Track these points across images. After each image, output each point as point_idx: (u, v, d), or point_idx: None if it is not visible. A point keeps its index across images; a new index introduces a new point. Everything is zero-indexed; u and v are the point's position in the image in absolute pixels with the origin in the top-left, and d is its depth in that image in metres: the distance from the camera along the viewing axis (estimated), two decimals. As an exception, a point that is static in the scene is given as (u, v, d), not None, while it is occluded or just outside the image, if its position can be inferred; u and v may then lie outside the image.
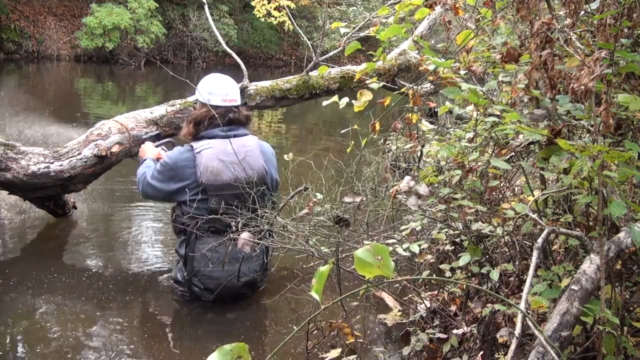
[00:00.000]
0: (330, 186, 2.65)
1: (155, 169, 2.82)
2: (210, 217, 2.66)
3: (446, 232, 2.35)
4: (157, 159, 3.01)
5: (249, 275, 2.81)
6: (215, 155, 2.72)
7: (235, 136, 2.79)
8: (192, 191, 2.73)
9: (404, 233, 2.48)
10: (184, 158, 2.75)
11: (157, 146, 3.18)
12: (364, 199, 2.50)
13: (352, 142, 2.80)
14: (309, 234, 2.48)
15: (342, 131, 2.93)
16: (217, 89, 2.84)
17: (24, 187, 3.37)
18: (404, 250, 2.26)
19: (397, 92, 2.77)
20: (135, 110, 3.86)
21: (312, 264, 2.81)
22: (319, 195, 2.56)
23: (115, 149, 3.45)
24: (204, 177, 2.70)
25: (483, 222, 2.22)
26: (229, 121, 2.81)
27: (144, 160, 3.04)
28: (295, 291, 2.74)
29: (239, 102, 2.90)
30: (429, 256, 2.49)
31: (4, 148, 3.28)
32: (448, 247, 2.45)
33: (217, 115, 2.75)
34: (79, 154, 3.44)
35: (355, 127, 2.91)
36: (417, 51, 5.17)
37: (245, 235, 2.57)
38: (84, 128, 3.69)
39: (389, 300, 2.78)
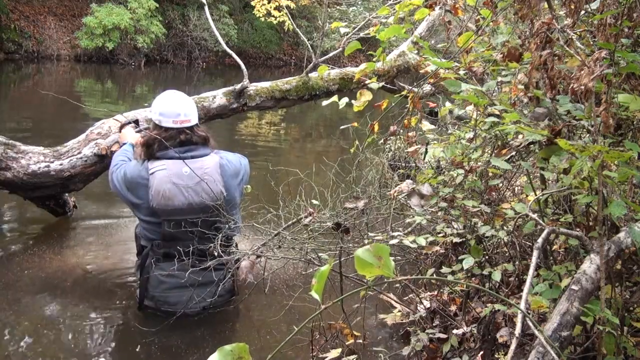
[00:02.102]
0: (332, 191, 2.64)
1: (120, 172, 2.71)
2: (163, 242, 2.62)
3: (446, 233, 2.35)
4: (137, 144, 2.97)
5: (208, 301, 2.66)
6: (169, 178, 2.60)
7: (192, 157, 2.65)
8: (145, 212, 2.66)
9: (407, 230, 2.48)
10: (141, 176, 2.63)
11: (137, 131, 3.15)
12: (366, 201, 2.49)
13: (357, 143, 2.80)
14: (308, 245, 2.45)
15: (342, 127, 2.92)
16: (168, 110, 2.68)
17: (24, 187, 3.37)
18: (411, 242, 2.26)
19: (397, 94, 2.76)
20: (135, 109, 3.86)
21: (311, 270, 2.80)
22: (315, 202, 2.55)
23: (115, 147, 3.45)
24: (155, 201, 2.59)
25: (484, 223, 2.22)
26: (180, 143, 2.66)
27: (124, 144, 3.00)
28: (295, 299, 2.74)
29: (193, 122, 2.73)
30: (437, 247, 2.48)
31: (4, 147, 3.28)
32: (454, 240, 2.43)
33: (168, 138, 2.63)
34: (79, 153, 3.45)
35: (355, 124, 2.92)
36: (416, 51, 5.17)
37: (245, 263, 2.51)
38: (84, 128, 3.69)
39: (390, 300, 2.78)
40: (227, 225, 2.59)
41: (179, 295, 2.65)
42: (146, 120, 3.61)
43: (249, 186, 2.90)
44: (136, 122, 3.35)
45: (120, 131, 3.28)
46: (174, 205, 2.61)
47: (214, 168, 2.69)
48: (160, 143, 2.64)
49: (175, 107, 2.69)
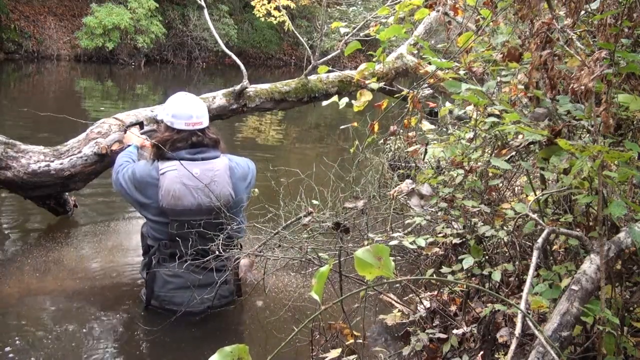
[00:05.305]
0: (332, 191, 2.64)
1: (128, 171, 2.73)
2: (170, 242, 2.63)
3: (446, 233, 2.35)
4: (141, 147, 3.00)
5: (215, 302, 2.68)
6: (179, 179, 2.61)
7: (203, 159, 2.69)
8: (153, 212, 2.67)
9: (407, 230, 2.47)
10: (151, 176, 2.65)
11: (142, 134, 3.17)
12: (365, 201, 2.49)
13: (356, 142, 2.80)
14: (307, 244, 2.45)
15: (342, 127, 2.91)
16: (181, 112, 2.70)
17: (24, 186, 3.37)
18: (410, 243, 2.26)
19: (396, 95, 2.77)
20: (135, 109, 3.86)
21: (310, 270, 2.80)
22: (315, 202, 2.55)
23: (115, 147, 3.45)
24: (165, 200, 2.61)
25: (484, 223, 2.22)
26: (191, 145, 2.69)
27: (128, 146, 3.02)
28: (295, 299, 2.74)
29: (205, 125, 2.74)
30: (437, 248, 2.48)
31: (5, 146, 3.28)
32: (455, 241, 2.42)
33: (180, 140, 2.66)
34: (79, 152, 3.45)
35: (355, 124, 2.92)
36: (416, 51, 5.18)
37: (244, 262, 2.51)
38: (84, 127, 3.69)
39: (390, 300, 2.78)
40: (233, 227, 2.59)
41: (185, 295, 2.66)
42: (147, 120, 3.61)
43: (256, 190, 2.92)
44: (141, 124, 3.36)
45: (125, 133, 3.29)
46: (184, 205, 2.63)
47: (223, 170, 2.71)
48: (172, 144, 2.65)
49: (187, 110, 2.71)
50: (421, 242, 2.25)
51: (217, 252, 2.46)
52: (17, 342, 2.43)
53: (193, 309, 2.66)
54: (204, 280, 2.61)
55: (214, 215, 2.62)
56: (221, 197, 2.65)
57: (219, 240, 2.48)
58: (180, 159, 2.64)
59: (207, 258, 2.48)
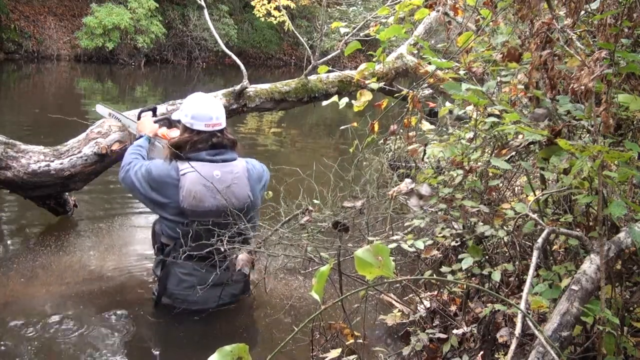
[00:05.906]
0: (331, 190, 2.64)
1: (141, 169, 2.68)
2: (188, 242, 2.58)
3: (446, 232, 2.35)
4: (154, 136, 2.96)
5: (226, 299, 2.75)
6: (200, 180, 2.60)
7: (223, 161, 2.69)
8: (171, 211, 2.65)
9: (406, 231, 2.47)
10: (170, 176, 2.62)
11: (156, 121, 3.08)
12: (365, 201, 2.49)
13: (356, 142, 2.80)
14: (307, 243, 2.44)
15: (342, 127, 2.91)
16: (201, 113, 2.67)
17: (24, 186, 3.38)
18: (409, 246, 2.25)
19: (396, 95, 2.77)
20: (135, 109, 3.85)
21: (310, 269, 2.79)
22: (316, 201, 2.55)
23: (115, 147, 3.46)
24: (186, 201, 2.60)
25: (484, 223, 2.22)
26: (212, 146, 2.68)
27: (140, 137, 2.96)
28: (295, 299, 2.73)
29: (223, 125, 2.73)
30: (435, 251, 2.48)
31: (5, 146, 3.28)
32: (452, 244, 2.43)
33: (199, 141, 2.65)
34: (79, 152, 3.45)
35: (355, 124, 2.92)
36: (416, 51, 5.17)
37: (242, 256, 2.50)
38: (84, 127, 3.68)
39: (390, 300, 2.78)
40: (248, 227, 2.58)
41: (199, 294, 2.64)
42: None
43: (270, 192, 2.92)
44: (154, 110, 3.26)
45: (138, 119, 3.18)
46: (204, 207, 2.61)
47: (242, 172, 2.72)
48: (192, 145, 2.65)
49: (207, 111, 2.69)
50: (420, 244, 2.24)
51: (223, 250, 2.46)
52: (13, 341, 2.43)
53: (203, 307, 2.67)
54: (219, 278, 2.60)
55: (234, 216, 2.58)
56: (241, 199, 2.66)
57: (225, 238, 2.48)
58: (200, 160, 2.63)
59: (214, 257, 2.48)
